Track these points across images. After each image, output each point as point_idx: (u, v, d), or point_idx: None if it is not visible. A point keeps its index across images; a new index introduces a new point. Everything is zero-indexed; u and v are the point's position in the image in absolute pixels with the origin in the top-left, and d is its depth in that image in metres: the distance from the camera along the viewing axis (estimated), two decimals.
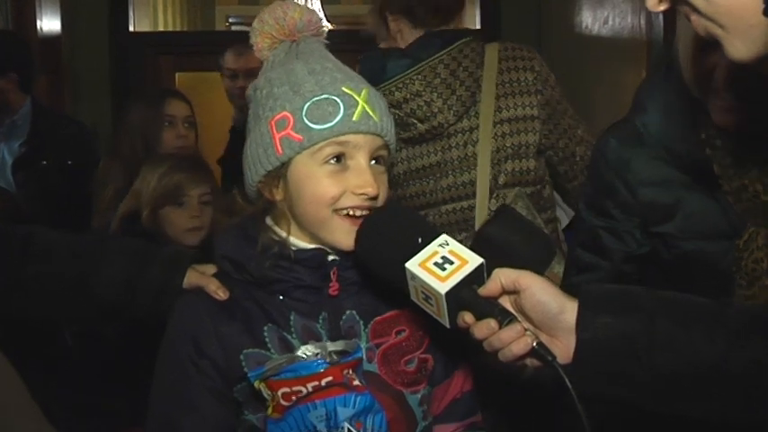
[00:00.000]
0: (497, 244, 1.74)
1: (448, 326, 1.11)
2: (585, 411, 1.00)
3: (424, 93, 2.05)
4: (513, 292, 1.09)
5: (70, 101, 4.54)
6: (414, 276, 1.10)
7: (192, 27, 7.17)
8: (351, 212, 1.22)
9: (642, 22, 3.83)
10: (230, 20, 8.01)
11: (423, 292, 1.10)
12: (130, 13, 5.03)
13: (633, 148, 1.54)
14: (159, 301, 1.39)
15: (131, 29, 5.06)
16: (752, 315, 1.07)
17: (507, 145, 2.08)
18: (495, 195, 2.07)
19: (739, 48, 0.95)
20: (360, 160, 1.22)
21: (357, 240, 1.20)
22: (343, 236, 1.22)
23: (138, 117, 2.70)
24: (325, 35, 1.32)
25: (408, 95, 2.05)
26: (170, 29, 6.20)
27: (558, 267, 1.96)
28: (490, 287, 1.09)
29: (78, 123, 3.59)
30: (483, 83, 2.08)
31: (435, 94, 2.05)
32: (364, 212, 1.22)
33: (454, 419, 1.38)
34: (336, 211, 1.22)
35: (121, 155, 2.62)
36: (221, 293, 1.29)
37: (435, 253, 1.10)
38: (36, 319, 1.63)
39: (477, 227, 2.05)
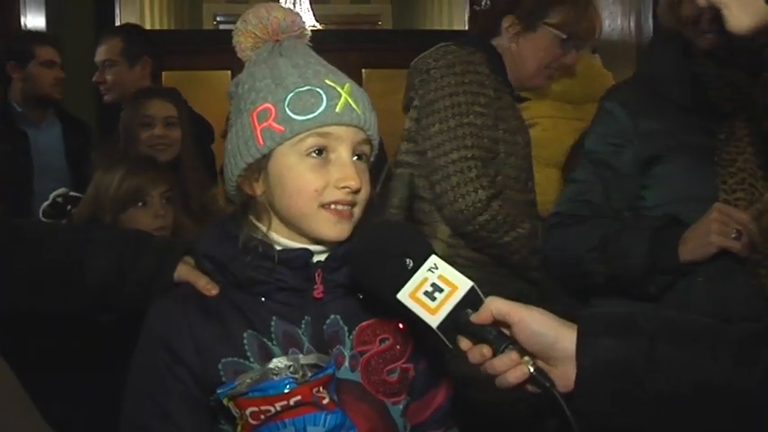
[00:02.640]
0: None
1: (451, 347, 1.09)
2: None
3: None
4: (504, 324, 1.06)
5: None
6: (406, 308, 1.08)
7: (180, 25, 7.14)
8: (334, 206, 1.20)
9: (632, 24, 3.83)
10: (218, 18, 7.99)
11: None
12: (117, 11, 4.99)
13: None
14: (150, 289, 1.36)
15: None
16: (751, 333, 1.05)
17: None
18: None
19: (740, 18, 0.93)
20: (342, 153, 1.20)
21: (352, 267, 1.19)
22: (330, 227, 1.20)
23: (123, 118, 2.74)
24: (308, 37, 1.31)
25: None
26: (157, 27, 6.16)
27: None
28: (482, 315, 1.06)
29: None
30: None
31: None
32: (346, 207, 1.20)
33: (437, 427, 1.35)
34: (322, 206, 1.20)
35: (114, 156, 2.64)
36: (212, 289, 1.26)
37: (425, 280, 1.08)
38: (26, 312, 1.60)
39: None
